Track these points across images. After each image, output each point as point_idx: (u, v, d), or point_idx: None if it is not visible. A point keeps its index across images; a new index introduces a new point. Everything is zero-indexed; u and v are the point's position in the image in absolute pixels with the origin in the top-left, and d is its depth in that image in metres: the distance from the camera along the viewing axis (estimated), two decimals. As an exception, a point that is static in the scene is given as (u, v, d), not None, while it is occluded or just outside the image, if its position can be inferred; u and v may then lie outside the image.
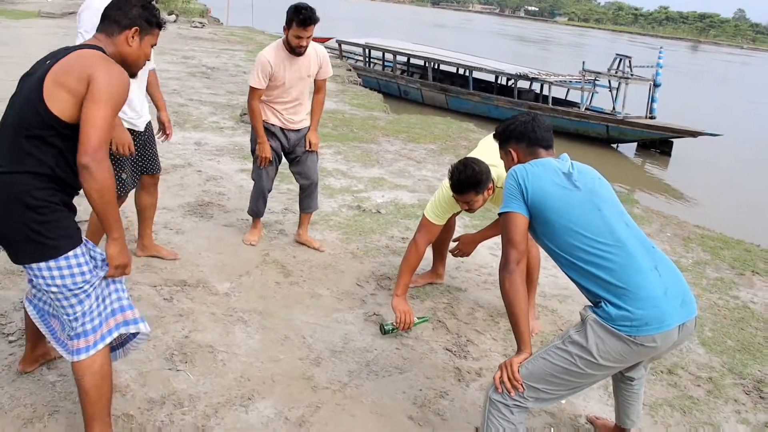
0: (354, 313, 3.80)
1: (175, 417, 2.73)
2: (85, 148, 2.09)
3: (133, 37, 2.40)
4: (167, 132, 4.21)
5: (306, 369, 3.19)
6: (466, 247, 4.05)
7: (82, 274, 2.25)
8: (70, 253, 2.22)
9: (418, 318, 3.66)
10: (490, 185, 3.43)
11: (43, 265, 2.19)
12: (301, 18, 3.99)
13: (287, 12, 4.05)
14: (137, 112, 3.74)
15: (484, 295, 4.22)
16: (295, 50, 4.14)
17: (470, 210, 3.50)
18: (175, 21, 23.19)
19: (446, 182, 3.52)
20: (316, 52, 4.31)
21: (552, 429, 2.95)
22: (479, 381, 3.26)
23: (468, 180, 3.34)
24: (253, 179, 4.61)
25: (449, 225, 4.15)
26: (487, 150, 3.64)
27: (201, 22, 24.35)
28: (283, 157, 4.64)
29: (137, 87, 3.66)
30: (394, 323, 3.51)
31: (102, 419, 2.37)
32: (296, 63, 4.22)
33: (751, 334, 4.12)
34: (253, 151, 4.50)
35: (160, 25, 2.53)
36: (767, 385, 3.53)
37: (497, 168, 3.41)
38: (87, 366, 2.31)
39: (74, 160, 2.19)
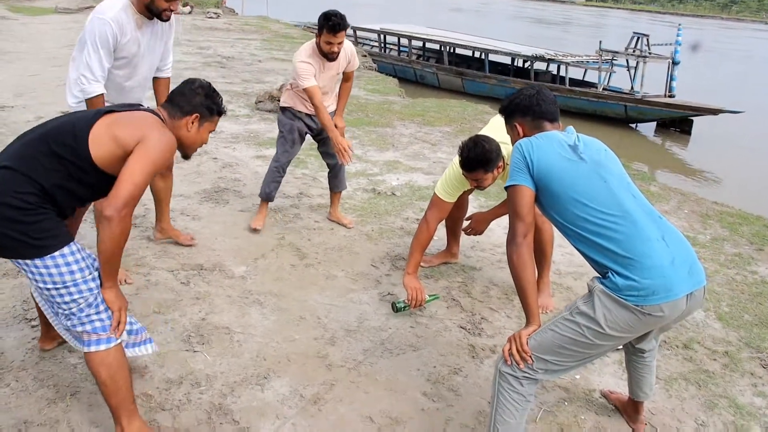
0: (369, 294, 3.83)
1: (192, 396, 2.78)
2: (114, 201, 2.15)
3: (192, 123, 2.50)
4: None
5: (321, 348, 3.23)
6: (478, 225, 4.05)
7: (71, 273, 2.26)
8: (57, 253, 2.23)
9: (430, 296, 3.69)
10: (500, 163, 3.43)
11: (29, 261, 2.23)
12: (330, 24, 4.08)
13: (318, 19, 4.13)
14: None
15: (498, 274, 4.23)
16: (327, 56, 4.22)
17: (480, 187, 3.51)
18: (190, 12, 23.25)
19: (456, 159, 3.53)
20: (344, 48, 4.36)
21: (566, 404, 2.96)
22: (493, 358, 3.28)
23: (477, 158, 3.35)
24: (274, 161, 4.63)
25: (462, 203, 4.16)
26: (497, 128, 3.63)
27: (216, 13, 24.40)
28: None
29: (138, 84, 3.69)
30: (406, 301, 3.54)
31: (126, 408, 2.40)
32: (329, 64, 4.31)
33: (769, 308, 4.09)
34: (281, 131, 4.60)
35: (220, 113, 2.64)
36: (785, 358, 3.51)
37: (507, 146, 3.40)
38: (101, 359, 2.33)
39: (78, 196, 2.29)
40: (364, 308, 3.66)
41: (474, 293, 3.93)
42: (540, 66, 15.77)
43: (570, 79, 15.07)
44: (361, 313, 3.60)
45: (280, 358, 3.12)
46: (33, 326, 3.20)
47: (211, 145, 6.66)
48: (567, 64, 14.84)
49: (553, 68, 15.89)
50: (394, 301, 3.61)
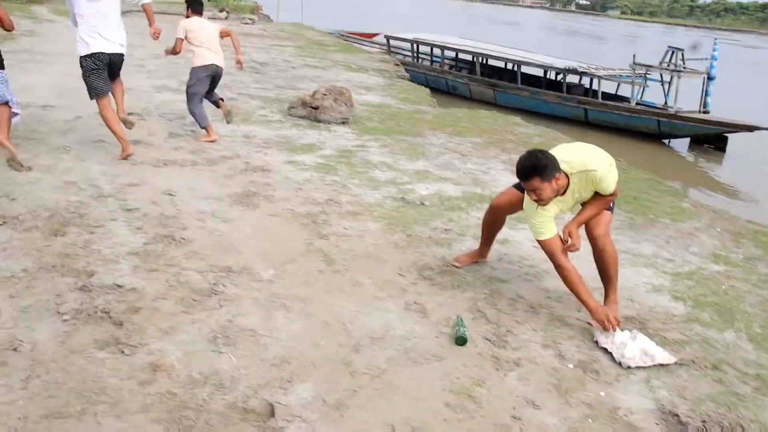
0: (395, 302, 3.84)
1: (216, 396, 2.81)
2: None
3: None
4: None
5: (345, 354, 3.25)
6: (574, 237, 3.80)
7: None
8: None
9: (459, 324, 3.60)
10: (558, 175, 3.45)
11: None
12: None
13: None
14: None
15: (525, 286, 4.21)
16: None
17: (540, 200, 3.50)
18: (226, 18, 23.53)
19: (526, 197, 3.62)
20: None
21: (590, 421, 2.94)
22: (517, 371, 3.26)
23: (532, 165, 3.40)
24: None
25: (514, 208, 4.11)
26: (560, 149, 3.70)
27: (251, 19, 24.68)
28: None
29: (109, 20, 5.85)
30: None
31: None
32: None
33: (802, 331, 4.01)
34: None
35: None
36: (817, 383, 3.43)
37: (571, 163, 3.53)
38: None
39: None
40: (389, 316, 3.66)
41: (500, 305, 3.92)
42: (572, 79, 15.69)
43: (602, 92, 14.97)
44: (387, 321, 3.61)
45: (305, 362, 3.14)
46: (64, 320, 3.27)
47: (242, 150, 6.74)
48: (600, 77, 14.75)
49: (585, 81, 15.80)
50: (459, 334, 3.47)
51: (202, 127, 7.00)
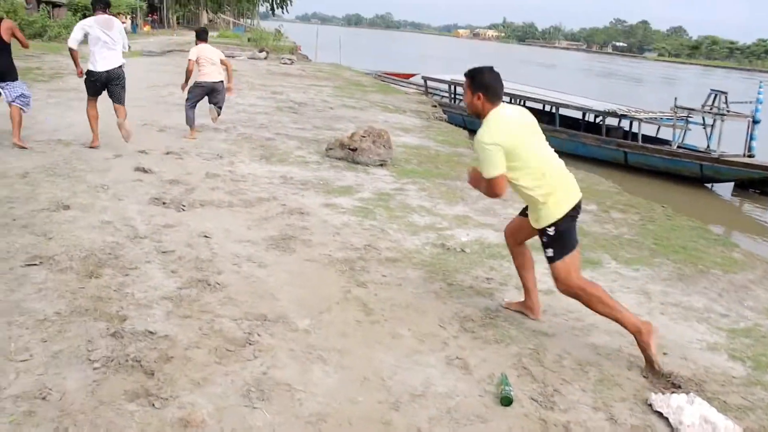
0: (435, 356, 3.66)
1: (249, 457, 2.66)
2: None
3: None
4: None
5: (384, 413, 3.08)
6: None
7: None
8: None
9: (504, 385, 3.42)
10: (481, 95, 3.73)
11: None
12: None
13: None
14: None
15: (572, 341, 4.00)
16: None
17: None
18: (265, 58, 23.95)
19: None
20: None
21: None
22: (567, 435, 3.06)
23: (472, 70, 3.84)
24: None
25: (523, 252, 4.19)
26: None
27: (290, 59, 25.06)
28: None
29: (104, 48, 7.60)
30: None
31: None
32: None
33: None
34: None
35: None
36: None
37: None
38: None
39: None
40: (430, 372, 3.49)
41: (546, 362, 3.72)
42: (612, 121, 15.49)
43: (643, 135, 14.73)
44: (427, 376, 3.44)
45: (342, 420, 2.98)
46: (95, 368, 3.17)
47: (280, 191, 6.68)
48: (640, 120, 14.53)
49: (625, 124, 15.58)
50: (504, 394, 3.28)
51: (188, 125, 9.20)
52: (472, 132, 15.34)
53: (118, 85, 7.79)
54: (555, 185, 3.74)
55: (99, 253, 4.58)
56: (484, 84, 3.72)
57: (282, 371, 3.33)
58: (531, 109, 15.84)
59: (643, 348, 3.63)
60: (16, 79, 7.66)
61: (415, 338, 3.84)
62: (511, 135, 3.67)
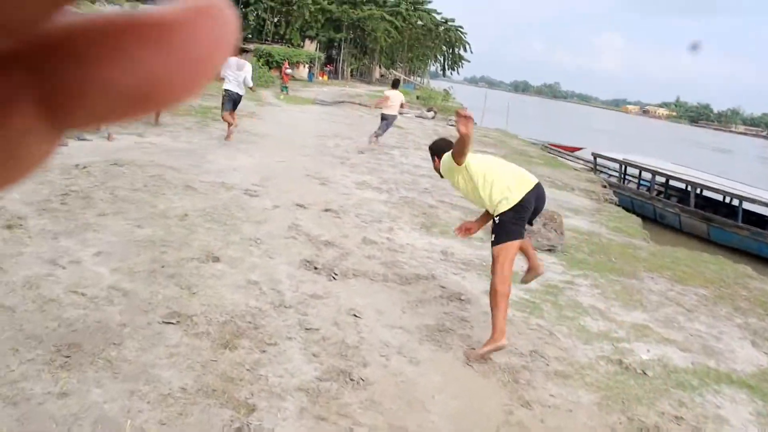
0: None
1: None
2: None
3: None
4: None
5: None
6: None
7: None
8: None
9: None
10: (436, 159, 4.82)
11: None
12: None
13: None
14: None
15: None
16: None
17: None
18: (433, 117, 23.91)
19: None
20: None
21: None
22: None
23: (432, 144, 5.05)
24: None
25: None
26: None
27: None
28: None
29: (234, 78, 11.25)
30: None
31: None
32: None
33: None
34: None
35: None
36: None
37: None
38: None
39: None
40: None
41: None
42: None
43: None
44: None
45: None
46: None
47: (439, 269, 6.10)
48: None
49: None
50: None
51: (374, 138, 14.50)
52: (640, 216, 14.11)
53: (238, 101, 11.82)
54: None
55: (239, 319, 4.18)
56: (437, 148, 4.90)
57: None
58: (708, 199, 14.25)
59: (488, 343, 4.23)
60: None
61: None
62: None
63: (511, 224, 4.32)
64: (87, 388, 3.21)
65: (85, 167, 7.78)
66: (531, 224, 4.66)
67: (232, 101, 11.50)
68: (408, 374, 3.88)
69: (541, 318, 5.32)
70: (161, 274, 4.73)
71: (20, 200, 6.16)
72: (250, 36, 52.03)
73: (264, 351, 3.83)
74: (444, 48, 73.37)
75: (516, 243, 4.34)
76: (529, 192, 4.35)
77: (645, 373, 4.61)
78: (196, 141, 11.39)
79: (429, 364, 4.07)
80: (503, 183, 4.37)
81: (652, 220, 16.03)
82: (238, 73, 11.30)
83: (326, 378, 3.64)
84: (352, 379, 3.67)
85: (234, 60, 11.33)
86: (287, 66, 32.28)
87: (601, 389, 4.23)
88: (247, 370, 3.58)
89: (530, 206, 4.38)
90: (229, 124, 11.75)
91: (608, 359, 4.76)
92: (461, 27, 72.31)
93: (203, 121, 13.53)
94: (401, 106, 14.96)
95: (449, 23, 70.80)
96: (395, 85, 15.51)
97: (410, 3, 64.57)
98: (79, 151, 8.91)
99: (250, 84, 11.79)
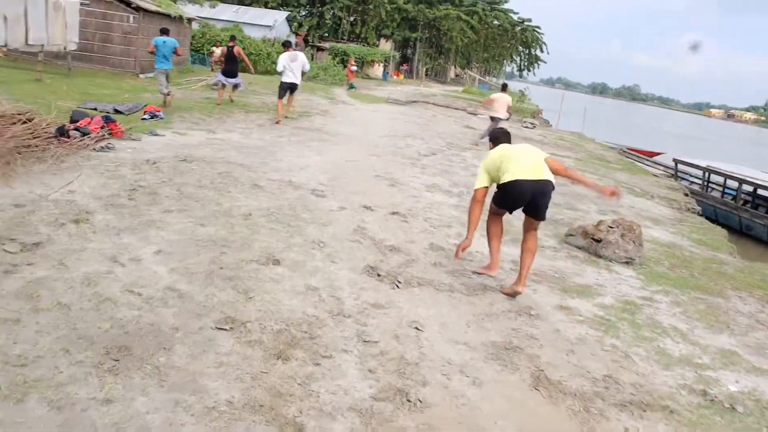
0: None
1: None
2: None
3: None
4: None
5: None
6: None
7: None
8: None
9: None
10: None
11: None
12: None
13: None
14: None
15: None
16: None
17: None
18: (507, 119, 23.36)
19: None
20: None
21: None
22: None
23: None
24: None
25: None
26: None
27: (532, 123, 24.26)
28: None
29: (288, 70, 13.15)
30: None
31: None
32: None
33: None
34: None
35: None
36: None
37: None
38: None
39: None
40: None
41: None
42: None
43: None
44: None
45: None
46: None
47: (509, 280, 5.75)
48: None
49: None
50: None
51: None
52: (727, 227, 13.24)
53: (295, 89, 13.72)
54: None
55: (295, 328, 3.98)
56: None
57: None
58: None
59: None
60: (236, 76, 14.82)
61: None
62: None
63: (500, 196, 5.58)
64: (132, 395, 3.08)
65: (155, 162, 7.80)
66: (537, 217, 5.74)
67: (288, 89, 13.43)
68: (470, 397, 3.59)
69: (617, 338, 4.92)
70: (219, 276, 4.60)
71: (90, 194, 6.18)
72: (326, 34, 52.43)
73: (318, 364, 3.62)
74: (520, 48, 71.95)
75: (494, 208, 5.75)
76: (526, 180, 5.32)
77: (734, 408, 4.16)
78: (267, 138, 11.36)
79: (493, 386, 3.77)
80: (514, 167, 5.36)
81: (737, 231, 15.15)
82: (293, 64, 13.07)
83: (381, 397, 3.40)
84: (409, 400, 3.41)
85: (286, 55, 13.20)
86: (353, 63, 32.26)
87: (683, 424, 3.82)
88: (299, 384, 3.38)
89: (522, 190, 5.38)
90: (279, 111, 13.53)
91: (691, 389, 4.33)
92: (538, 27, 70.68)
93: (276, 118, 13.52)
94: (507, 109, 15.73)
95: (526, 23, 69.39)
96: (504, 88, 16.61)
97: (487, 2, 63.67)
98: (152, 146, 8.98)
99: (308, 68, 13.83)
